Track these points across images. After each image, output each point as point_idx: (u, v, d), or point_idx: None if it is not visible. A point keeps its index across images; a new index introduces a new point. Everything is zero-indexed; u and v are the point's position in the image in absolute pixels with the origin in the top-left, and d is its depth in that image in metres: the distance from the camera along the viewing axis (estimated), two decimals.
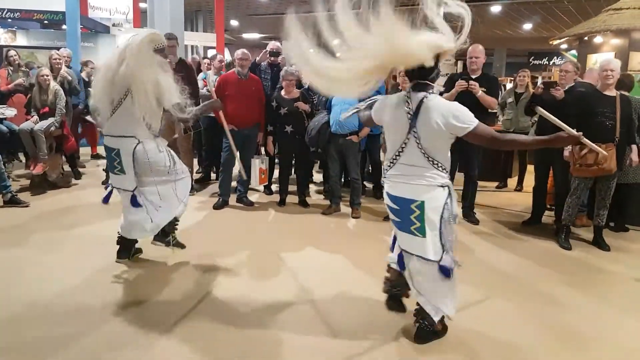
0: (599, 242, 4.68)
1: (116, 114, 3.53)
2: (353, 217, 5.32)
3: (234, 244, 4.44)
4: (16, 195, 5.32)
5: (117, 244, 3.88)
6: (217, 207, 5.60)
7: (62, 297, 3.26)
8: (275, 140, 5.79)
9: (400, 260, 2.76)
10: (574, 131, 2.51)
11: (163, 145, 3.73)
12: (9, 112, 6.21)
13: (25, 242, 4.28)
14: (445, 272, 2.60)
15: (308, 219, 5.32)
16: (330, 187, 5.63)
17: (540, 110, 2.74)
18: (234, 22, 23.01)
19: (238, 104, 5.35)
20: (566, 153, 4.74)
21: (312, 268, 3.95)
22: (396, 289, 2.98)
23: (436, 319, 2.72)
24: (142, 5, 13.94)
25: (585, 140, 2.59)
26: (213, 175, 6.95)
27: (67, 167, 6.80)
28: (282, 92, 5.54)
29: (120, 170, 3.63)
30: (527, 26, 20.22)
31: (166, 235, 4.01)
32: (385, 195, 2.73)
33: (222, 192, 5.72)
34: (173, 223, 4.00)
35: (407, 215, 2.59)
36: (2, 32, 10.36)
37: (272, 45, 6.22)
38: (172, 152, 3.82)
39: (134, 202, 3.67)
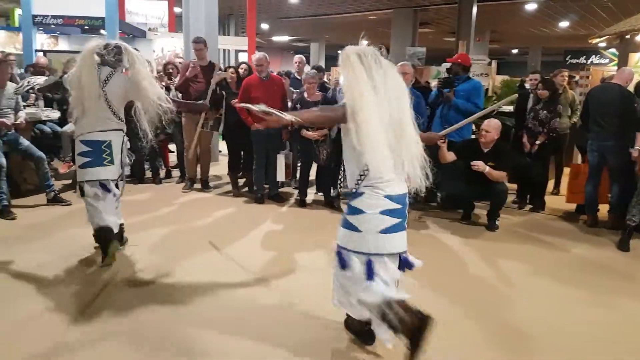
0: None
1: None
2: None
3: (258, 244, 4.53)
4: (59, 194, 5.51)
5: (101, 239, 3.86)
6: (260, 202, 5.88)
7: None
8: (295, 141, 5.96)
9: (407, 261, 2.61)
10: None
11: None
12: (53, 114, 6.44)
13: (62, 238, 4.40)
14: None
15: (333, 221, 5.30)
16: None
17: None
18: (264, 26, 23.27)
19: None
20: (635, 153, 4.71)
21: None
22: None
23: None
24: (177, 9, 14.23)
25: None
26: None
27: None
28: (305, 95, 5.61)
29: (110, 162, 3.75)
30: (564, 24, 19.77)
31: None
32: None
33: (259, 187, 5.94)
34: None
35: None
36: (46, 38, 10.75)
37: (297, 58, 6.65)
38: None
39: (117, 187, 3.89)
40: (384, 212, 2.44)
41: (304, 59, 7.25)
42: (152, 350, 2.71)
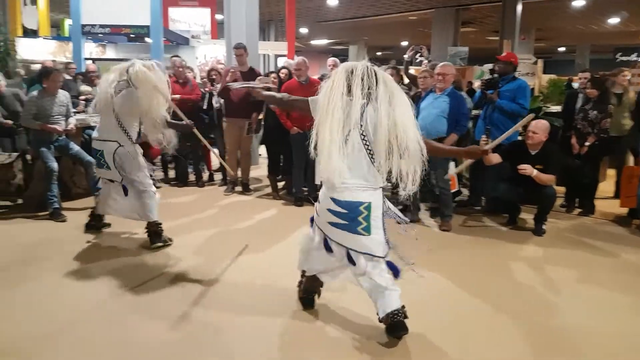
0: None
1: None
2: (442, 230, 5.00)
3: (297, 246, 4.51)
4: None
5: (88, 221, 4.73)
6: (299, 205, 5.92)
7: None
8: None
9: (350, 257, 2.82)
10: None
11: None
12: None
13: (109, 239, 4.57)
14: (394, 269, 2.85)
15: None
16: (410, 197, 5.39)
17: None
18: (303, 30, 23.42)
19: None
20: None
21: None
22: (310, 295, 3.23)
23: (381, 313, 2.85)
24: (218, 17, 14.52)
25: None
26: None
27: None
28: None
29: (107, 167, 4.34)
30: (613, 20, 19.04)
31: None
32: (329, 200, 2.74)
33: (298, 190, 5.99)
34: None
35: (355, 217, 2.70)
36: (94, 46, 11.19)
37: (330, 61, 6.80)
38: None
39: (125, 192, 4.38)
40: (329, 210, 2.75)
41: (338, 61, 7.21)
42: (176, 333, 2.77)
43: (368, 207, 2.67)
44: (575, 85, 6.96)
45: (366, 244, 2.72)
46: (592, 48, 26.20)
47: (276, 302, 3.33)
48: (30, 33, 12.87)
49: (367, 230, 2.69)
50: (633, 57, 19.67)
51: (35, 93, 5.30)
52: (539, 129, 4.82)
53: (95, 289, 3.54)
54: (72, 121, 5.55)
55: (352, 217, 2.67)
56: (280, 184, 6.68)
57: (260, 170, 7.87)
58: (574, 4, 16.13)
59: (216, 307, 3.28)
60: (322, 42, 27.99)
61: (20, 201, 5.60)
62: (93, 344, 2.83)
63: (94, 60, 10.24)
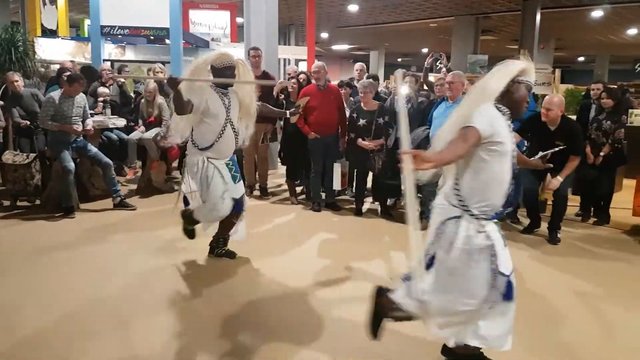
0: None
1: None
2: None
3: (314, 251, 4.52)
4: (125, 199, 5.75)
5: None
6: (316, 209, 5.88)
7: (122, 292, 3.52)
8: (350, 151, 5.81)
9: None
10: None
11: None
12: (120, 122, 6.75)
13: (125, 240, 4.63)
14: None
15: (395, 231, 5.22)
16: (423, 203, 5.40)
17: None
18: (324, 35, 23.47)
19: (320, 113, 5.64)
20: None
21: None
22: None
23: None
24: (239, 20, 14.62)
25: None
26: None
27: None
28: (362, 104, 5.60)
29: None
30: (633, 31, 18.82)
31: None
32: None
33: (316, 195, 5.96)
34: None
35: None
36: (113, 48, 11.29)
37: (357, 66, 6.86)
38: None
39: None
40: None
41: (365, 67, 7.21)
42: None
43: None
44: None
45: None
46: (611, 58, 25.94)
47: (291, 305, 3.34)
48: (49, 33, 12.91)
49: None
50: None
51: (53, 94, 5.37)
52: (552, 104, 4.64)
53: (105, 291, 3.59)
54: (89, 122, 5.63)
55: None
56: (299, 189, 6.70)
57: (278, 175, 7.87)
58: (592, 14, 15.94)
59: (230, 309, 3.29)
60: (342, 47, 28.00)
61: (38, 201, 5.68)
62: (104, 341, 2.87)
63: (112, 62, 10.30)
